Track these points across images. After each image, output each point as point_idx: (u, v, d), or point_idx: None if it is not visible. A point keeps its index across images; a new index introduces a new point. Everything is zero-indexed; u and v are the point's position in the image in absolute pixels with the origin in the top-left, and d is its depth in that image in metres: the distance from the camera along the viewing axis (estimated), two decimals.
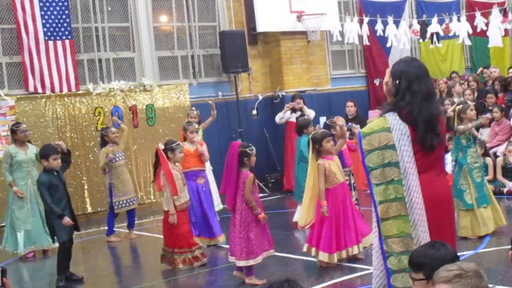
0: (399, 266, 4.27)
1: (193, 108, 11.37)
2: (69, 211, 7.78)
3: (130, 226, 10.63)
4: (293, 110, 13.81)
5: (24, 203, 9.64)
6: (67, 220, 7.61)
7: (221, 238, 9.15)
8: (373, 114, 14.02)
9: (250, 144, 7.15)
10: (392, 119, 4.38)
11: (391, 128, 4.34)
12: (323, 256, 7.38)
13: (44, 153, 7.82)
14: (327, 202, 7.37)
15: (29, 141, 9.96)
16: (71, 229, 7.80)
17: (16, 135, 9.69)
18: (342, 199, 7.50)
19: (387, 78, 4.54)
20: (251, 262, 6.98)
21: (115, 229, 10.55)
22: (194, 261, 8.04)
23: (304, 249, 7.67)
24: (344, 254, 7.44)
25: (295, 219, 9.90)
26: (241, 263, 7.01)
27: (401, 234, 4.27)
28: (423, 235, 4.25)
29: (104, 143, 10.39)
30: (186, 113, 11.75)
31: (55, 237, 7.89)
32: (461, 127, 8.50)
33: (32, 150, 9.78)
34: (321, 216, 7.40)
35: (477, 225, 8.34)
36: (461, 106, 8.72)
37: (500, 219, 8.54)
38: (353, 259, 7.54)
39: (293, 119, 13.55)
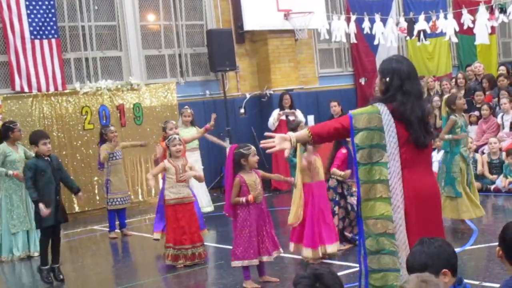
0: (376, 248, 4.34)
1: (187, 106, 11.36)
2: (55, 198, 7.72)
3: (122, 226, 10.60)
4: (282, 108, 13.82)
5: (20, 203, 9.53)
6: (41, 206, 7.57)
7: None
8: None
9: (247, 144, 6.98)
10: (382, 107, 4.41)
11: (380, 112, 4.38)
12: (307, 252, 7.42)
13: (33, 138, 7.80)
14: (310, 197, 7.42)
15: None
16: (52, 218, 7.70)
17: (13, 133, 9.51)
18: (321, 196, 7.57)
19: None
20: (239, 264, 6.86)
21: (100, 228, 10.51)
22: (176, 259, 7.95)
23: (291, 249, 7.68)
24: (322, 250, 7.45)
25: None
26: (232, 264, 6.95)
27: (381, 216, 4.34)
28: (400, 222, 4.31)
29: (103, 141, 10.47)
30: (178, 112, 11.75)
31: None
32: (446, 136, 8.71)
33: (21, 149, 9.73)
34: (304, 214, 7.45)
35: (475, 207, 8.67)
36: (449, 95, 8.87)
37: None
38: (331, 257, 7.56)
39: (283, 117, 13.57)
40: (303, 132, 4.56)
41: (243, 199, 6.76)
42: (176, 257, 7.96)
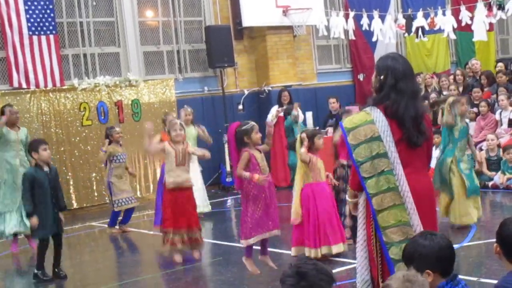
0: (401, 255, 4.28)
1: (186, 106, 11.39)
2: (51, 210, 7.66)
3: (124, 222, 10.59)
4: (281, 105, 13.81)
5: (13, 183, 9.50)
6: (34, 220, 7.58)
7: None
8: (352, 109, 13.98)
9: (248, 121, 6.97)
10: (374, 112, 4.40)
11: (374, 120, 4.37)
12: (309, 252, 7.37)
13: (33, 146, 7.73)
14: (312, 197, 7.39)
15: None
16: (49, 229, 7.69)
17: (6, 116, 9.50)
18: (324, 196, 7.48)
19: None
20: (250, 242, 6.81)
21: (99, 224, 10.50)
22: (174, 244, 7.87)
23: (293, 254, 7.59)
24: (327, 250, 7.40)
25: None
26: (242, 243, 6.91)
27: (399, 223, 4.31)
28: (417, 223, 4.30)
29: (109, 142, 10.42)
30: (177, 108, 11.77)
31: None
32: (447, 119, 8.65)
33: (23, 132, 9.73)
34: (305, 213, 7.42)
35: (464, 214, 8.55)
36: (454, 99, 8.83)
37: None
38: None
39: (281, 114, 13.57)
40: (350, 191, 4.72)
41: (247, 175, 6.69)
42: (174, 242, 7.86)
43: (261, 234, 6.81)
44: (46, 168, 7.72)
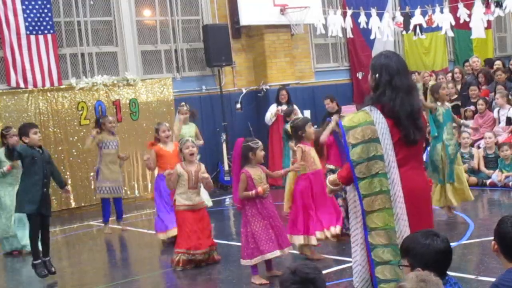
0: (382, 258, 4.31)
1: (183, 103, 11.35)
2: (40, 189, 7.55)
3: (119, 217, 10.56)
4: (279, 104, 13.80)
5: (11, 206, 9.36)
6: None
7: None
8: (348, 109, 13.91)
9: (255, 139, 6.97)
10: (374, 112, 4.40)
11: (374, 121, 4.36)
12: (298, 239, 7.39)
13: (23, 129, 7.64)
14: (305, 186, 7.45)
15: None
16: (36, 205, 7.53)
17: (6, 140, 9.04)
18: (321, 183, 7.47)
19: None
20: (253, 262, 6.75)
21: (97, 223, 10.48)
22: (189, 264, 7.67)
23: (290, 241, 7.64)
24: (322, 235, 7.44)
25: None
26: (243, 262, 6.85)
27: (386, 227, 4.31)
28: (404, 229, 4.29)
29: (100, 130, 10.42)
30: (175, 107, 11.73)
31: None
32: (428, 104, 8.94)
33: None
34: (297, 202, 7.47)
35: (447, 198, 8.90)
36: (434, 84, 9.00)
37: (465, 196, 9.02)
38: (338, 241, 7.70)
39: (280, 112, 13.56)
40: (334, 177, 4.70)
41: (252, 192, 6.69)
42: (189, 262, 7.64)
43: (263, 255, 6.74)
44: (38, 149, 7.65)
